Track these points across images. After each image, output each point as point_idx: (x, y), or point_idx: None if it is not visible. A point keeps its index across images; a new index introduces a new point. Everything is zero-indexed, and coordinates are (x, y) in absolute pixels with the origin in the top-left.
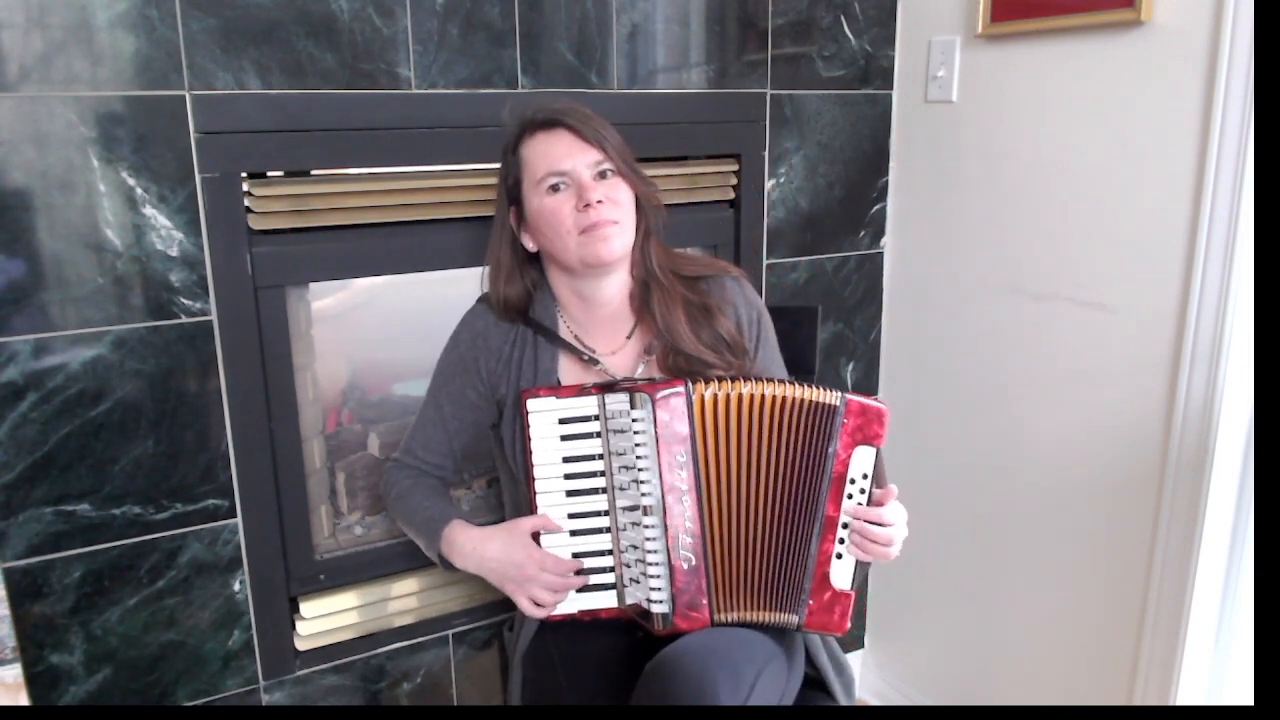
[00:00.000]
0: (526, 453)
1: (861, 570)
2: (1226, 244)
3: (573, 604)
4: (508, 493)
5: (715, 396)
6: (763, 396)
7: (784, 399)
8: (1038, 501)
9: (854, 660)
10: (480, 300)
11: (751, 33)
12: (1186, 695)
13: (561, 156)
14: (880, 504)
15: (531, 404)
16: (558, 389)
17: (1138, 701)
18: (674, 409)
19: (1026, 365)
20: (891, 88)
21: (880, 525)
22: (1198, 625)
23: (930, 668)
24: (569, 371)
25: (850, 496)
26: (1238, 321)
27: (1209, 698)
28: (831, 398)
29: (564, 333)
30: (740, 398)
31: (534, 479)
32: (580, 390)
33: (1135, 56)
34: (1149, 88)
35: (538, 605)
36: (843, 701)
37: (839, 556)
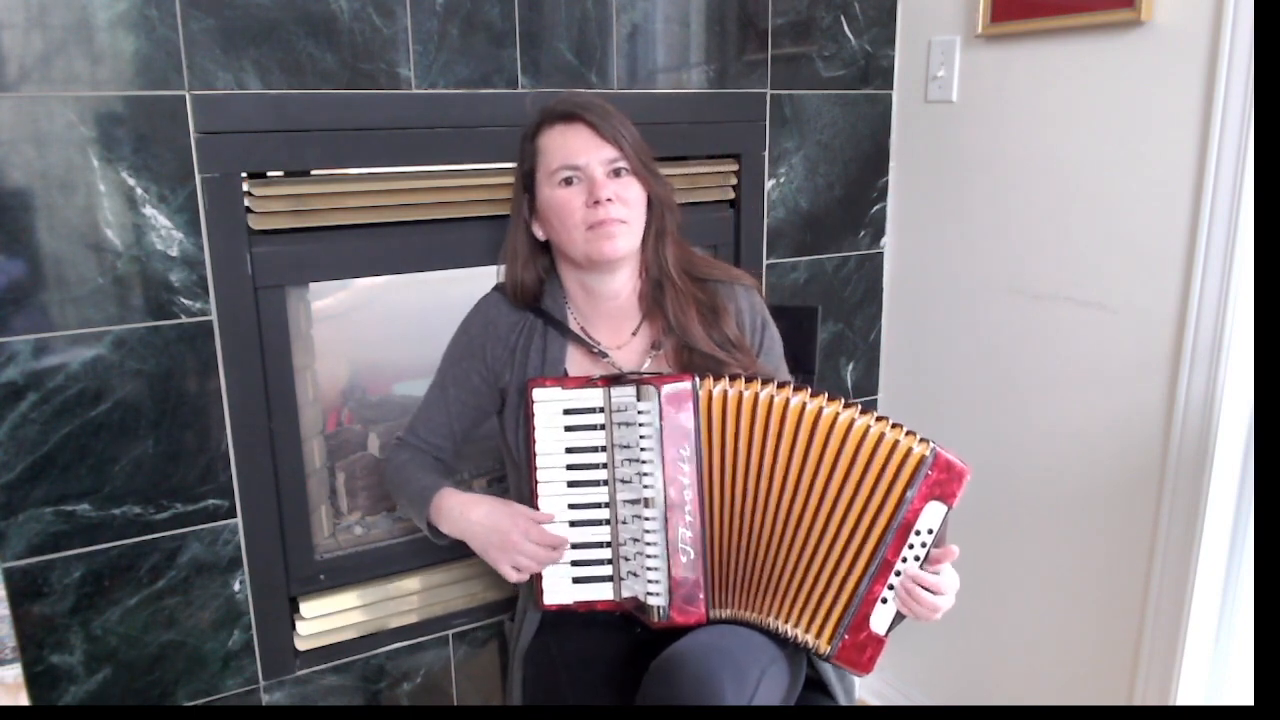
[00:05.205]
0: (530, 441)
1: (898, 620)
2: (1226, 244)
3: (570, 595)
4: (512, 480)
5: (725, 394)
6: (834, 416)
7: (868, 430)
8: (1038, 501)
9: None
10: (494, 289)
11: (751, 33)
12: (1186, 695)
13: (577, 151)
14: (937, 562)
15: (537, 393)
16: (564, 379)
17: (1138, 701)
18: (679, 403)
19: (1026, 365)
20: (891, 88)
21: (933, 588)
22: (1198, 625)
23: (930, 668)
24: (577, 363)
25: (910, 547)
26: (1238, 321)
27: (1209, 698)
28: (923, 448)
29: (573, 325)
30: (772, 402)
31: (536, 468)
32: (587, 382)
33: (1135, 56)
34: (1149, 88)
35: (518, 571)
36: (843, 702)
37: (884, 601)
